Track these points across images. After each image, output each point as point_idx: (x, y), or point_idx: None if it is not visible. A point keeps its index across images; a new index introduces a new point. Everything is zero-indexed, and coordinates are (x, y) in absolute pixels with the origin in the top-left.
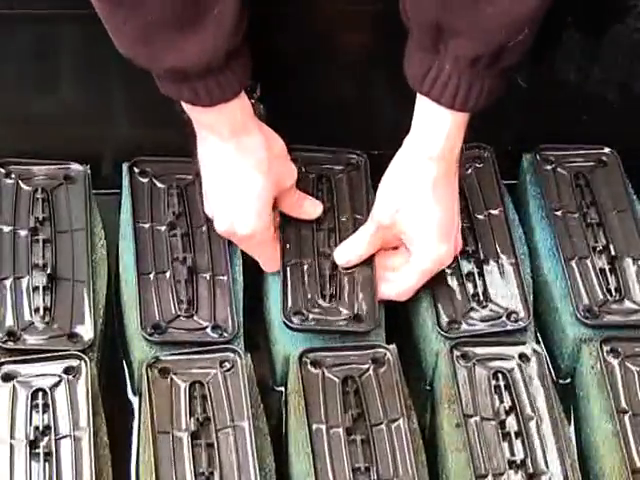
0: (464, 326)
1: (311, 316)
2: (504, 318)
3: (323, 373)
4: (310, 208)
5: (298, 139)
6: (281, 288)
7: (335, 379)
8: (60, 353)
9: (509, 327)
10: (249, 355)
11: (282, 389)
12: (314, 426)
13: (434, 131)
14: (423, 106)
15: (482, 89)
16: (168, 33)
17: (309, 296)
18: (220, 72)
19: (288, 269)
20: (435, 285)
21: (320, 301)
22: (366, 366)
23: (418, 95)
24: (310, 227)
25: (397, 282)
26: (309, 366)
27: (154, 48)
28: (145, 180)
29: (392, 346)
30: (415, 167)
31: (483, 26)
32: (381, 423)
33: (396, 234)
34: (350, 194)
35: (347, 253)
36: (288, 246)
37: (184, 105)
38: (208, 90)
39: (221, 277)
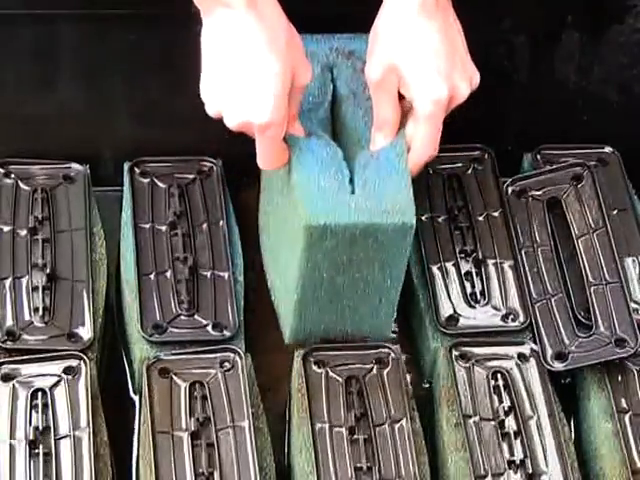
0: (462, 324)
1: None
2: (503, 318)
3: (327, 372)
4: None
5: None
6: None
7: (339, 379)
8: (60, 353)
9: (507, 327)
10: (249, 355)
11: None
12: (317, 425)
13: None
14: None
15: None
16: None
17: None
18: None
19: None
20: (434, 285)
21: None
22: (370, 366)
23: None
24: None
25: (413, 146)
26: (313, 365)
27: None
28: (146, 180)
29: (396, 346)
30: (396, 3)
31: None
32: (384, 423)
33: (399, 86)
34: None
35: (377, 136)
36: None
37: None
38: None
39: (222, 276)
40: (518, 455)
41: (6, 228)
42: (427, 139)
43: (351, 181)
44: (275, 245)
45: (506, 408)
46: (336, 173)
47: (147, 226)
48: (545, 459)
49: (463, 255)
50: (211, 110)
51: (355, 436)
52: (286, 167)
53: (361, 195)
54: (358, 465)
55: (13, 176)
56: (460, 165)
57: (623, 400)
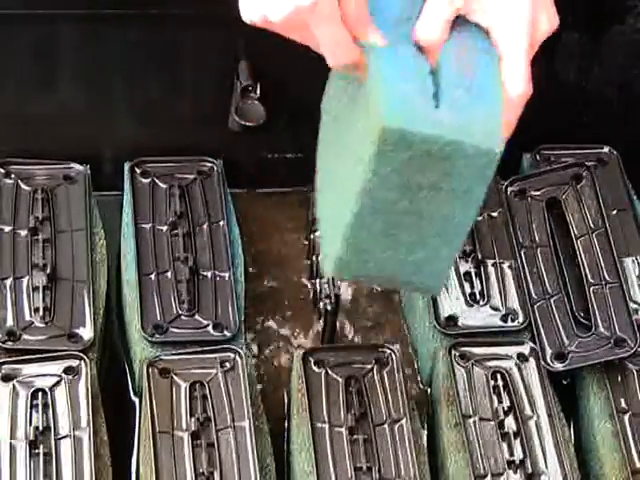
0: (462, 325)
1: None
2: (502, 318)
3: (327, 372)
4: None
5: (298, 139)
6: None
7: (338, 379)
8: (60, 353)
9: (507, 327)
10: (249, 355)
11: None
12: (317, 425)
13: None
14: None
15: None
16: None
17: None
18: None
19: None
20: None
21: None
22: (369, 366)
23: None
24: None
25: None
26: (313, 365)
27: None
28: (147, 180)
29: (396, 346)
30: None
31: None
32: (384, 423)
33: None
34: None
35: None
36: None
37: None
38: None
39: (222, 276)
40: (518, 455)
41: (6, 228)
42: (515, 71)
43: (436, 97)
44: (335, 163)
45: (505, 408)
46: (421, 84)
47: (148, 226)
48: (545, 459)
49: (462, 255)
50: (254, 14)
51: (355, 436)
52: (361, 74)
53: (446, 111)
54: (358, 465)
55: (13, 176)
56: None
57: (623, 400)
